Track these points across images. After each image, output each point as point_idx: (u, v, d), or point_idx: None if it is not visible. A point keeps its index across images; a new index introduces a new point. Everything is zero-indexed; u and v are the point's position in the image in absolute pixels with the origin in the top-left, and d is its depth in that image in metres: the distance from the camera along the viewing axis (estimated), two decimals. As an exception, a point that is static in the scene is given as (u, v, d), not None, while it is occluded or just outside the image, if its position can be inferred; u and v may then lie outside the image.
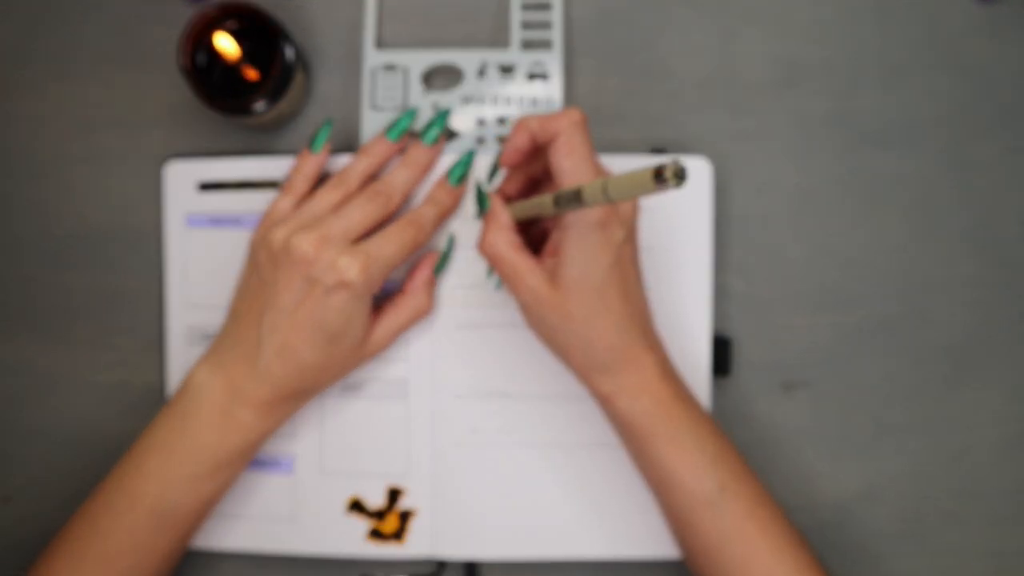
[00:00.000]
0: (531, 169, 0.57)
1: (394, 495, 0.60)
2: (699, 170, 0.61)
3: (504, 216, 0.54)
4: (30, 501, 0.62)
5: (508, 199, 0.57)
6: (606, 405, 0.55)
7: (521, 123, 0.53)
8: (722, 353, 0.61)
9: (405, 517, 0.60)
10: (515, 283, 0.53)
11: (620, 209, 0.52)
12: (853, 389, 0.63)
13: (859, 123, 0.63)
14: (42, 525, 0.61)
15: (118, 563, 0.53)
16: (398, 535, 0.60)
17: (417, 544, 0.60)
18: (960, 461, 0.62)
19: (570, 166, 0.51)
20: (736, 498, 0.53)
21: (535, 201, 0.53)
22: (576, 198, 0.48)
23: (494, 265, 0.54)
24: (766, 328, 0.63)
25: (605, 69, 0.63)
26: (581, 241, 0.51)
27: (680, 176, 0.42)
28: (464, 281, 0.61)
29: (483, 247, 0.54)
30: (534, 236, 0.57)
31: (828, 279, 0.63)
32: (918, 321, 0.63)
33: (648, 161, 0.61)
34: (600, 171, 0.53)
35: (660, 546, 0.59)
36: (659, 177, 0.42)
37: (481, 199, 0.59)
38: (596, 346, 0.53)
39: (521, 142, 0.54)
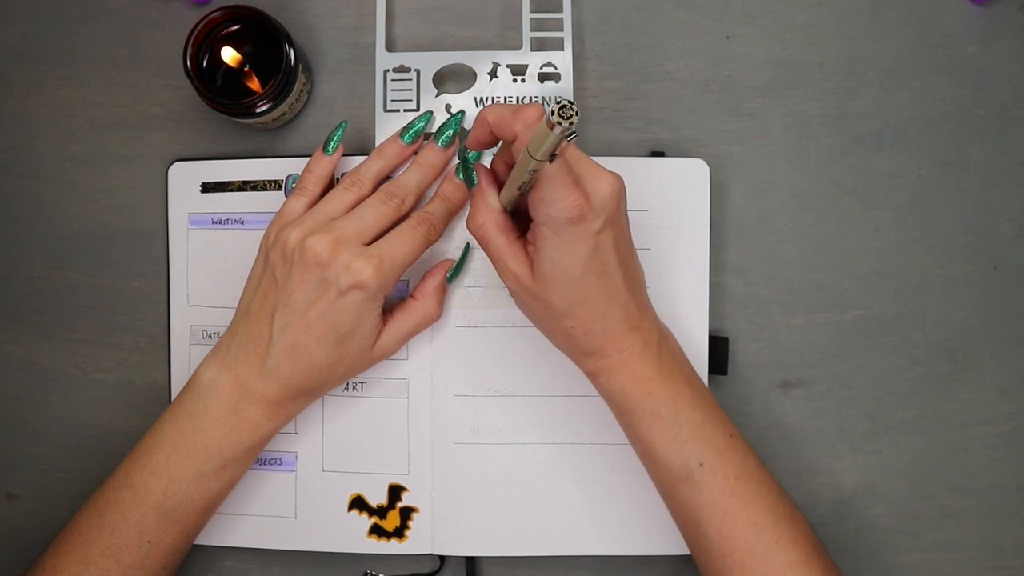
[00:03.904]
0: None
1: (395, 492, 0.61)
2: (697, 171, 0.61)
3: (492, 195, 0.54)
4: (35, 498, 0.63)
5: (497, 173, 0.56)
6: (591, 380, 0.56)
7: (480, 117, 0.52)
8: (720, 352, 0.62)
9: (406, 514, 0.60)
10: (500, 267, 0.54)
11: (595, 199, 0.51)
12: (850, 388, 0.63)
13: (855, 124, 0.64)
14: (47, 522, 0.62)
15: (125, 557, 0.54)
16: (399, 532, 0.60)
17: (418, 541, 0.60)
18: (956, 458, 0.63)
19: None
20: (714, 473, 0.53)
21: (512, 176, 0.52)
22: (527, 174, 0.49)
23: (481, 246, 0.54)
24: (763, 327, 0.63)
25: (605, 72, 0.64)
26: (556, 237, 0.51)
27: (566, 115, 0.42)
28: (464, 281, 0.61)
29: (470, 226, 0.54)
30: (522, 215, 0.56)
31: (825, 279, 0.63)
32: (914, 320, 0.63)
33: (646, 161, 0.61)
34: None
35: (657, 543, 0.60)
36: (551, 124, 0.43)
37: (468, 172, 0.56)
38: (576, 333, 0.53)
39: (482, 135, 0.53)
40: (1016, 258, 0.63)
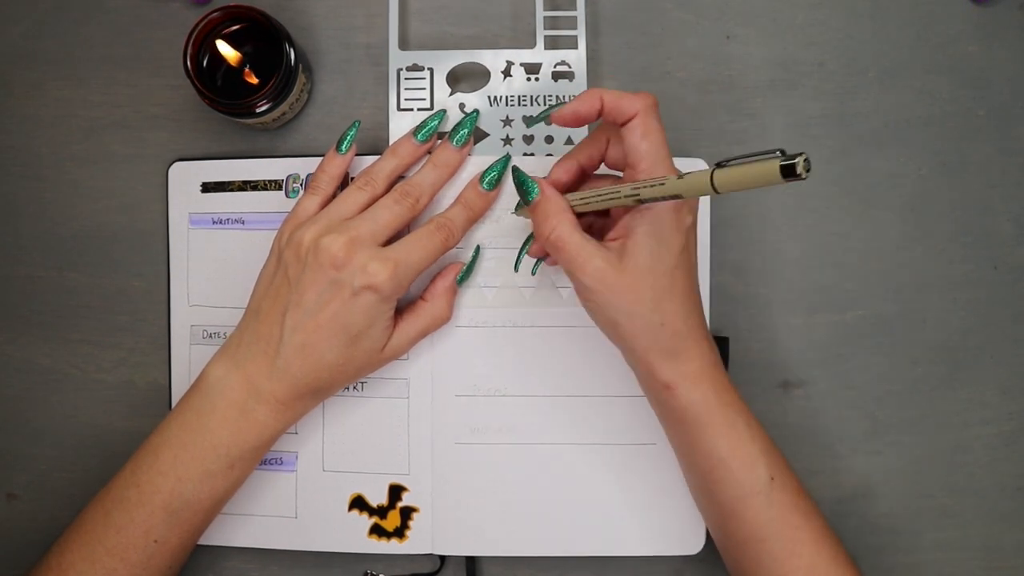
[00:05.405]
0: (583, 156, 0.55)
1: (396, 492, 0.61)
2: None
3: (562, 200, 0.53)
4: (35, 498, 0.63)
5: (558, 188, 0.55)
6: (664, 394, 0.53)
7: (593, 90, 0.51)
8: (720, 352, 0.61)
9: (407, 514, 0.60)
10: (580, 266, 0.51)
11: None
12: (850, 388, 0.63)
13: (855, 124, 0.64)
14: (47, 522, 0.62)
15: (131, 556, 0.53)
16: (400, 532, 0.60)
17: (418, 541, 0.60)
18: (955, 458, 0.63)
19: (648, 148, 0.50)
20: (783, 489, 0.53)
21: (605, 191, 0.51)
22: (666, 190, 0.47)
23: (556, 251, 0.52)
24: (764, 328, 0.63)
25: (605, 72, 0.64)
26: (655, 224, 0.50)
27: (809, 168, 0.41)
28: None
29: (543, 231, 0.52)
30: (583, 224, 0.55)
31: (825, 279, 0.63)
32: (914, 320, 0.63)
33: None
34: (671, 160, 0.52)
35: (657, 543, 0.60)
36: (789, 171, 0.40)
37: (527, 185, 0.55)
38: (664, 331, 0.52)
39: (588, 108, 0.51)
40: (1016, 258, 0.63)
